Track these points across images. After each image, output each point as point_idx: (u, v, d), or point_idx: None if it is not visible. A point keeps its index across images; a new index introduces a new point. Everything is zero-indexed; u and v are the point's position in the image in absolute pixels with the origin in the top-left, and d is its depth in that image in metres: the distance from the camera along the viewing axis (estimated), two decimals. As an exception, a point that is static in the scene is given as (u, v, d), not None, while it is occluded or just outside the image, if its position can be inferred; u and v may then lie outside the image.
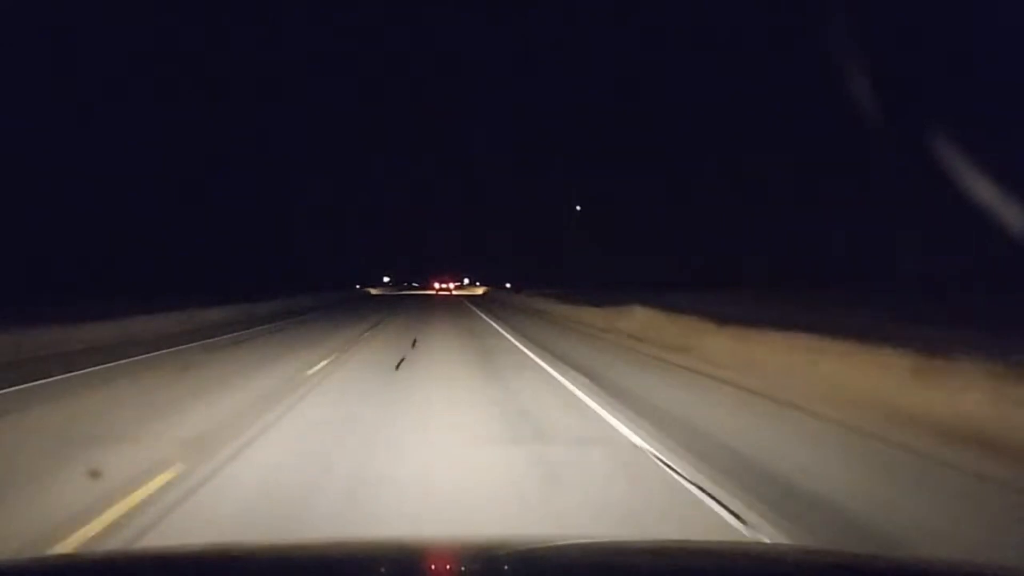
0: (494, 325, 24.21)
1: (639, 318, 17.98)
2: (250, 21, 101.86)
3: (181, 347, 15.81)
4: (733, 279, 49.84)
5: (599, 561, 2.14)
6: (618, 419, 7.55)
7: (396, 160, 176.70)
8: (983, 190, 13.25)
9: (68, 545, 3.95)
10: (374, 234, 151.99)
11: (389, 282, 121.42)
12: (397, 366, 12.33)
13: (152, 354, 14.25)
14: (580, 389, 9.60)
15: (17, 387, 9.90)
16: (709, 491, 4.94)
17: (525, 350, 15.34)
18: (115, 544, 3.99)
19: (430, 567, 2.12)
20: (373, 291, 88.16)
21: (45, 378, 10.68)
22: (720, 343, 12.35)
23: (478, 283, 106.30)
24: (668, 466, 5.63)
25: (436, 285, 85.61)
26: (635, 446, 6.37)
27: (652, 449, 6.19)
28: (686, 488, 5.09)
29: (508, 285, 73.40)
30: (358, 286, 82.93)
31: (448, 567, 2.09)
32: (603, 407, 8.23)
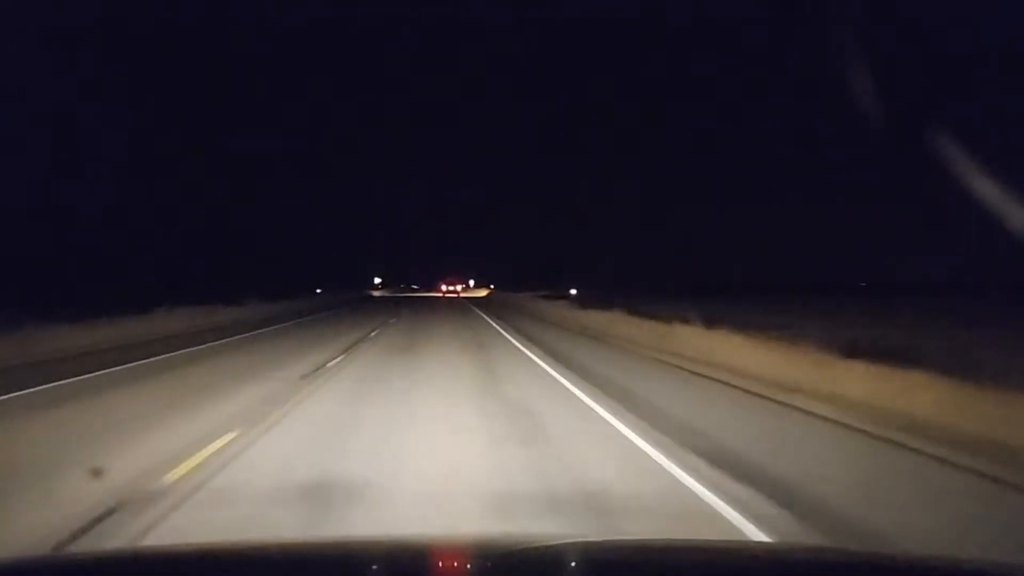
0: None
1: None
2: (250, 19, 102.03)
3: None
4: (725, 285, 49.54)
5: (600, 560, 2.13)
6: None
7: (392, 157, 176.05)
8: (986, 189, 13.24)
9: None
10: (362, 233, 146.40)
11: (381, 283, 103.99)
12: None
13: None
14: None
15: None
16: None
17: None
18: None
19: (431, 566, 2.12)
20: (375, 293, 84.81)
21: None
22: None
23: (492, 285, 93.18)
24: None
25: (443, 288, 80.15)
26: None
27: None
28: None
29: (573, 292, 45.64)
30: (319, 290, 58.51)
31: (449, 566, 2.10)
32: None
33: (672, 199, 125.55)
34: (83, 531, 4.37)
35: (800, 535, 4.39)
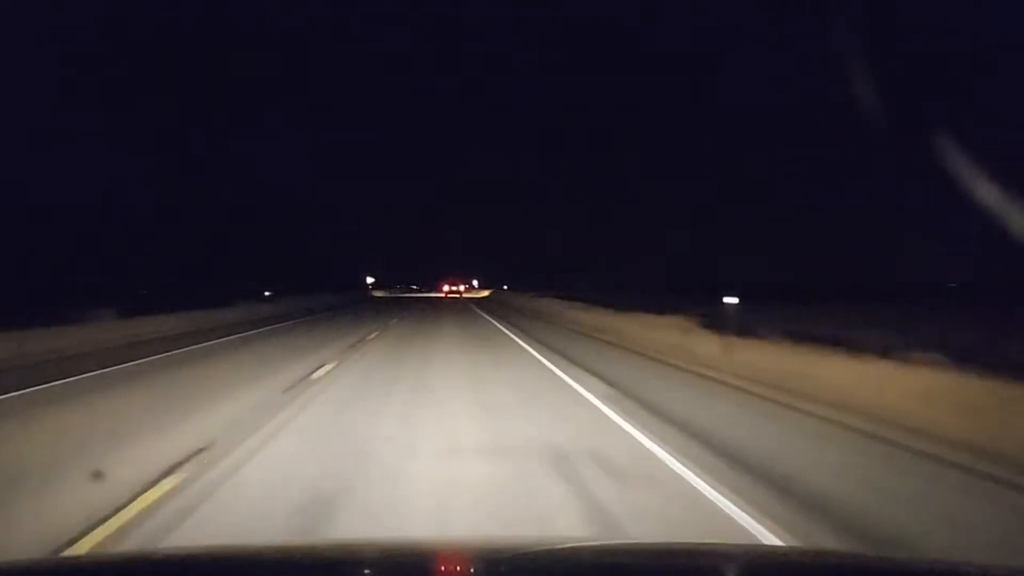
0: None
1: None
2: (250, 19, 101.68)
3: None
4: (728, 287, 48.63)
5: (602, 563, 2.09)
6: None
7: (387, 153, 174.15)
8: (987, 192, 13.21)
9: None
10: (356, 230, 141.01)
11: (375, 284, 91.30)
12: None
13: None
14: None
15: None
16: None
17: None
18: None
19: (433, 569, 2.10)
20: (377, 293, 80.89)
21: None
22: None
23: (505, 286, 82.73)
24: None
25: (445, 288, 77.64)
26: None
27: None
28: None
29: (732, 300, 16.09)
30: (267, 293, 43.22)
31: (451, 569, 2.08)
32: None
33: (672, 199, 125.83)
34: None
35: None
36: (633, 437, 6.92)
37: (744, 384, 10.31)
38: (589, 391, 9.76)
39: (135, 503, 4.78)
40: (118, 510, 4.63)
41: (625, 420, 7.73)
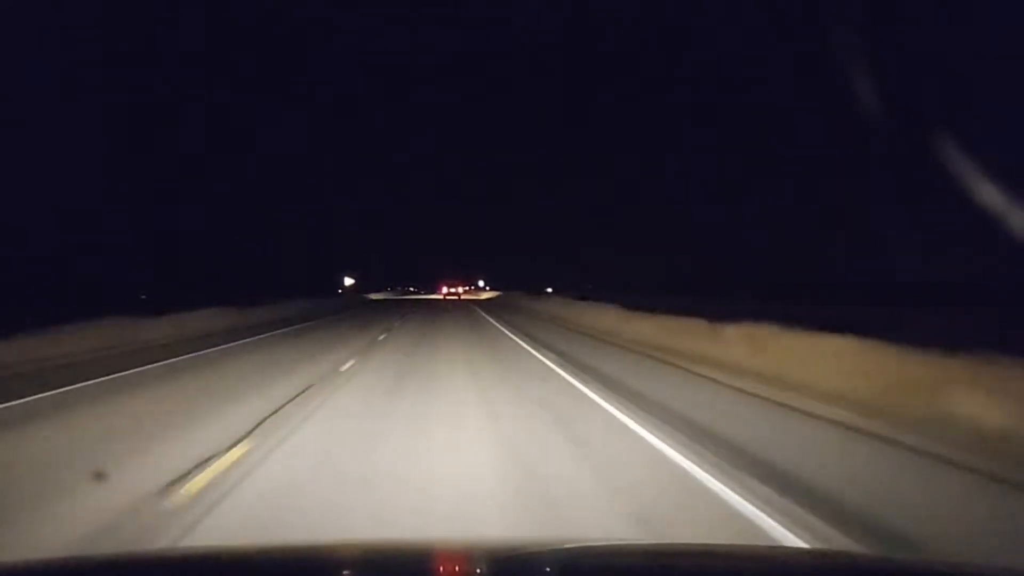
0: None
1: None
2: (249, 19, 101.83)
3: None
4: (724, 284, 48.65)
5: (603, 564, 2.09)
6: None
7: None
8: (987, 192, 13.22)
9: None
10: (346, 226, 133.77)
11: (354, 286, 79.34)
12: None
13: None
14: None
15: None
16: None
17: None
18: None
19: (434, 570, 2.09)
20: (375, 296, 78.73)
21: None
22: None
23: (550, 289, 67.02)
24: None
25: (444, 290, 77.22)
26: None
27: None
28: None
29: None
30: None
31: (451, 570, 2.07)
32: None
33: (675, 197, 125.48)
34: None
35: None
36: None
37: None
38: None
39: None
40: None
41: None
